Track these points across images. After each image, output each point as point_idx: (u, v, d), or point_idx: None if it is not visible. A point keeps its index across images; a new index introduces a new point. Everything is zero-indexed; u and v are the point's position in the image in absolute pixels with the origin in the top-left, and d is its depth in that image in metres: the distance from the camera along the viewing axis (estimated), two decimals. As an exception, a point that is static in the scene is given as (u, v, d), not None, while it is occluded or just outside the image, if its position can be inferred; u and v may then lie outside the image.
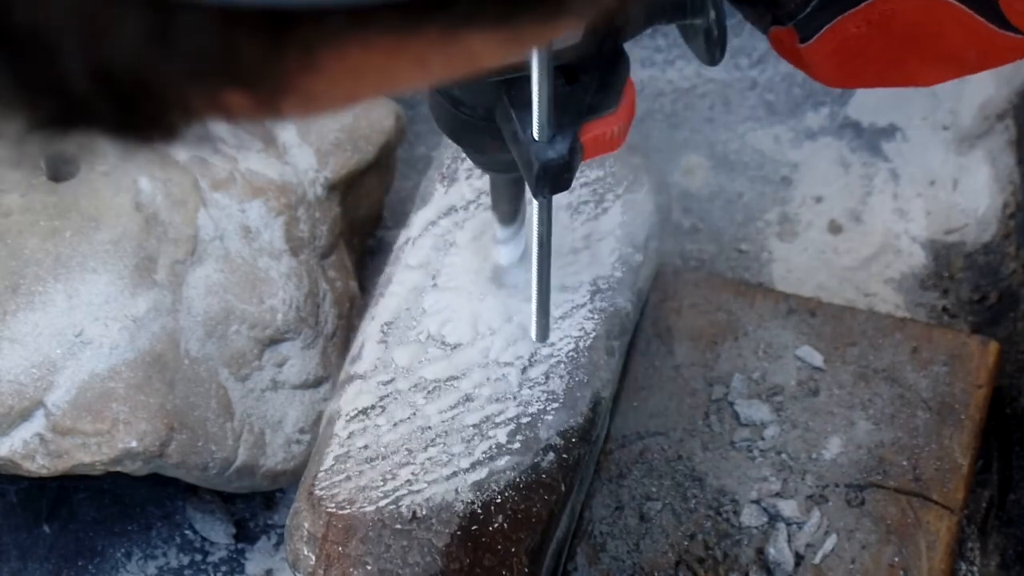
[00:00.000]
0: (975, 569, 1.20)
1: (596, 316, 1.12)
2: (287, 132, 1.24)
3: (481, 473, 1.03)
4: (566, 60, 0.84)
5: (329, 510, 1.02)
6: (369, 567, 1.00)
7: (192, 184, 1.18)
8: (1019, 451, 1.26)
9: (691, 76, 1.51)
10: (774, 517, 1.14)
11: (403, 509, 1.02)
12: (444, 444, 1.05)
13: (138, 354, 1.10)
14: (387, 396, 1.07)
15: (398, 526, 1.01)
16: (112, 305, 1.11)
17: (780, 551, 1.12)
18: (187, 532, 1.21)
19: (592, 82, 0.85)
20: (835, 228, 1.41)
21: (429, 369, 1.08)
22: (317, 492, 1.03)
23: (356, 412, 1.07)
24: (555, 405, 1.07)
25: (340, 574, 1.01)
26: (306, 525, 1.03)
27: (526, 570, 1.03)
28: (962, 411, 1.18)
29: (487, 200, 1.16)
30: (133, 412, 1.07)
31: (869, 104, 1.48)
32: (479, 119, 0.89)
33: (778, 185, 1.44)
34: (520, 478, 1.04)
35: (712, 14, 0.87)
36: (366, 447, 1.05)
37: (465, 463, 1.04)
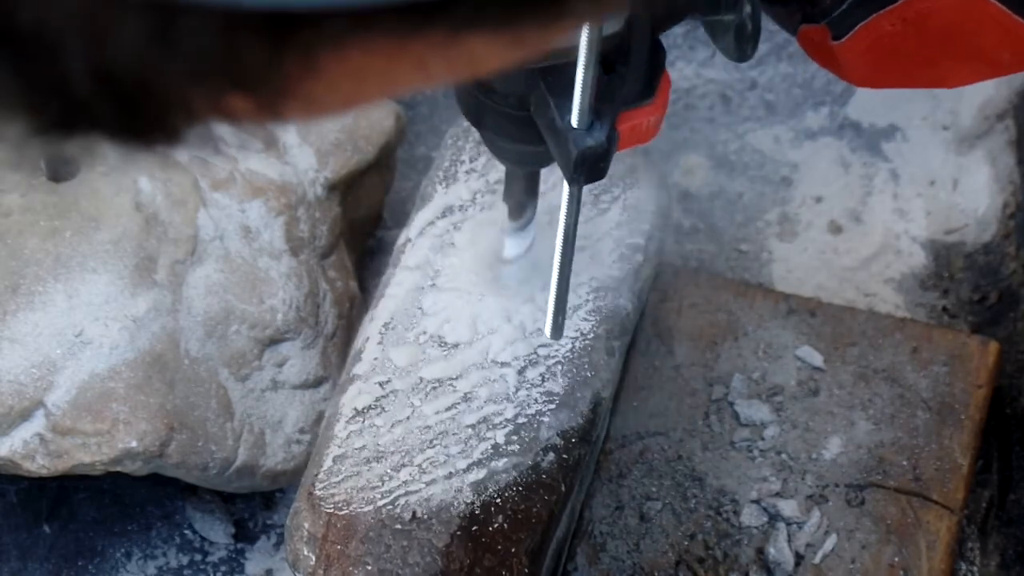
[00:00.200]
0: (975, 569, 1.20)
1: (596, 316, 1.12)
2: (287, 132, 1.24)
3: (481, 473, 1.03)
4: (603, 50, 0.84)
5: (329, 510, 1.02)
6: (369, 567, 1.00)
7: (192, 184, 1.18)
8: (1019, 451, 1.26)
9: (691, 76, 1.51)
10: (774, 517, 1.14)
11: (403, 509, 1.02)
12: (443, 445, 1.05)
13: (138, 354, 1.10)
14: (386, 397, 1.07)
15: (398, 526, 1.01)
16: (112, 305, 1.11)
17: (780, 551, 1.12)
18: (187, 532, 1.21)
19: (629, 72, 0.85)
20: (835, 228, 1.41)
21: (428, 369, 1.08)
22: (317, 492, 1.03)
23: (355, 413, 1.07)
24: (555, 405, 1.07)
25: (340, 574, 1.01)
26: (306, 525, 1.03)
27: (526, 570, 1.03)
28: (962, 411, 1.18)
29: (487, 200, 1.16)
30: (133, 412, 1.07)
31: (869, 104, 1.48)
32: (510, 107, 0.89)
33: (778, 185, 1.44)
34: (520, 478, 1.04)
35: (747, 8, 0.87)
36: (365, 448, 1.05)
37: (464, 463, 1.04)
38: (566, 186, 0.88)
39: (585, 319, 1.12)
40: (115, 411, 1.07)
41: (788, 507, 1.14)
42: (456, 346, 1.09)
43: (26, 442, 1.08)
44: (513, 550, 1.02)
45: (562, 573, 1.12)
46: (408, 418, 1.06)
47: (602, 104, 0.84)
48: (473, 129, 1.01)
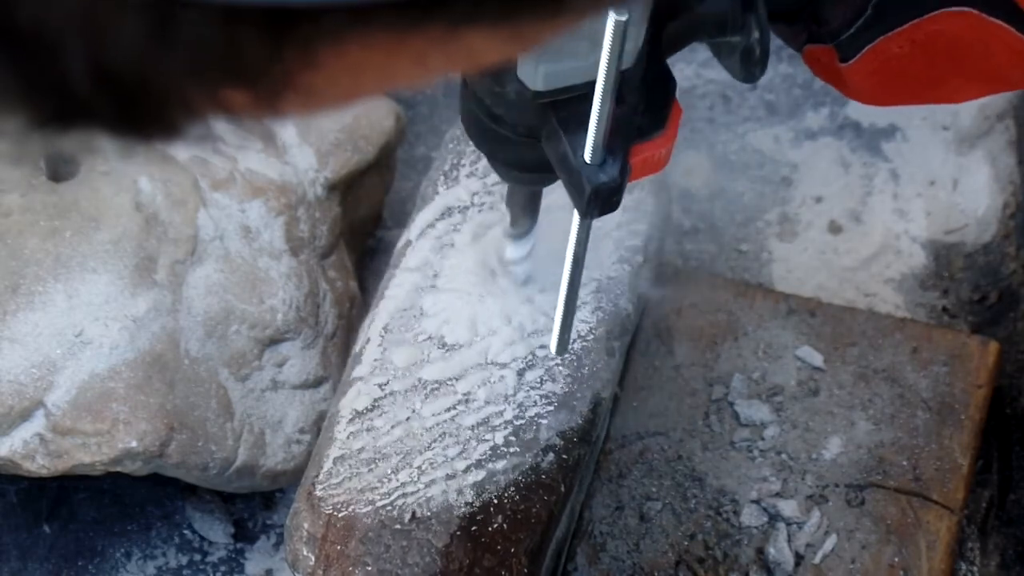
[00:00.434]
0: (975, 569, 1.20)
1: (596, 316, 1.12)
2: (287, 132, 1.24)
3: (480, 474, 1.03)
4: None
5: (328, 511, 1.02)
6: (369, 567, 1.00)
7: (192, 184, 1.18)
8: (1019, 451, 1.26)
9: (691, 76, 1.51)
10: (774, 517, 1.14)
11: (402, 510, 1.02)
12: (443, 446, 1.05)
13: (138, 354, 1.10)
14: (386, 397, 1.07)
15: (397, 526, 1.01)
16: (112, 305, 1.11)
17: (780, 551, 1.12)
18: (186, 532, 1.21)
19: (639, 103, 0.84)
20: (835, 228, 1.41)
21: (428, 370, 1.08)
22: (317, 493, 1.03)
23: (355, 414, 1.07)
24: (555, 406, 1.07)
25: (340, 574, 1.01)
26: (306, 525, 1.03)
27: (525, 570, 1.03)
28: (962, 411, 1.18)
29: (487, 201, 1.16)
30: (133, 412, 1.07)
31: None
32: (518, 136, 0.87)
33: (778, 185, 1.45)
34: (519, 479, 1.04)
35: (755, 33, 0.86)
36: (365, 449, 1.05)
37: (464, 464, 1.04)
38: (576, 215, 0.87)
39: (585, 320, 1.12)
40: (115, 411, 1.07)
41: (788, 507, 1.14)
42: (456, 347, 1.09)
43: (26, 442, 1.08)
44: (512, 550, 1.02)
45: (562, 573, 1.12)
46: (408, 419, 1.06)
47: (615, 138, 0.82)
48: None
